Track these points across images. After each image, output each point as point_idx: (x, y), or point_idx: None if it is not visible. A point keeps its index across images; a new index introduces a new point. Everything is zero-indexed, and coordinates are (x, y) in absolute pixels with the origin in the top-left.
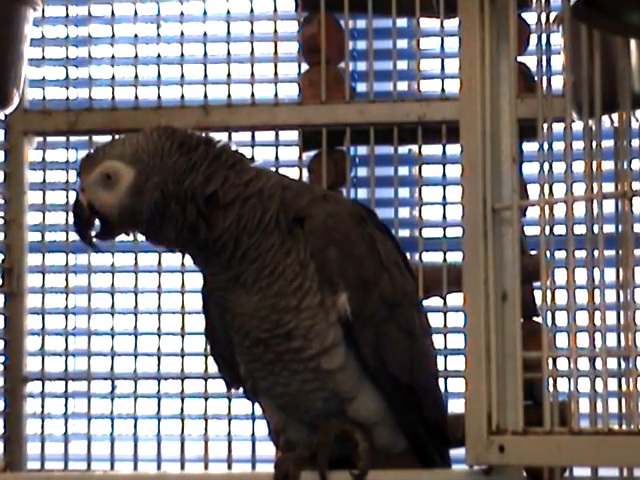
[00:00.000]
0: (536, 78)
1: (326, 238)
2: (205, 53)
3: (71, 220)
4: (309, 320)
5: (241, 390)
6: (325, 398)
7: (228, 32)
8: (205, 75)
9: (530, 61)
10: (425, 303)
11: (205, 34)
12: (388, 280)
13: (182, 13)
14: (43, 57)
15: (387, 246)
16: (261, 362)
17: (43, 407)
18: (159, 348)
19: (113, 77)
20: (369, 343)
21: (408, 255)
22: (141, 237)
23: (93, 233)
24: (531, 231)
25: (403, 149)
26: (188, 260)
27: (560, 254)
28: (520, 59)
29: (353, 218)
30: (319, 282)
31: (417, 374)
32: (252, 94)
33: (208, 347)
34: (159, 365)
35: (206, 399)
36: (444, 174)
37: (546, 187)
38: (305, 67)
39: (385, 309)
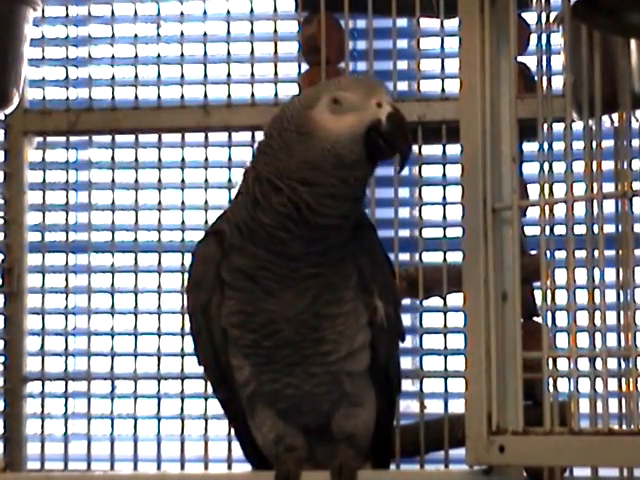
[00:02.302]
0: (536, 78)
1: (360, 247)
2: (205, 53)
3: (71, 220)
4: (342, 325)
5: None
6: (334, 400)
7: (228, 32)
8: (205, 75)
9: (530, 61)
10: (425, 303)
11: (205, 34)
12: (396, 286)
13: (182, 13)
14: (43, 57)
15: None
16: (281, 364)
17: (43, 407)
18: (159, 348)
19: (113, 77)
20: (384, 347)
21: (408, 255)
22: None
23: None
24: (531, 231)
25: None
26: (188, 260)
27: (560, 254)
28: (520, 59)
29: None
30: (356, 290)
31: (399, 378)
32: (252, 94)
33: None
34: (159, 365)
35: (206, 399)
36: (444, 174)
37: (546, 187)
38: (305, 67)
39: (396, 314)
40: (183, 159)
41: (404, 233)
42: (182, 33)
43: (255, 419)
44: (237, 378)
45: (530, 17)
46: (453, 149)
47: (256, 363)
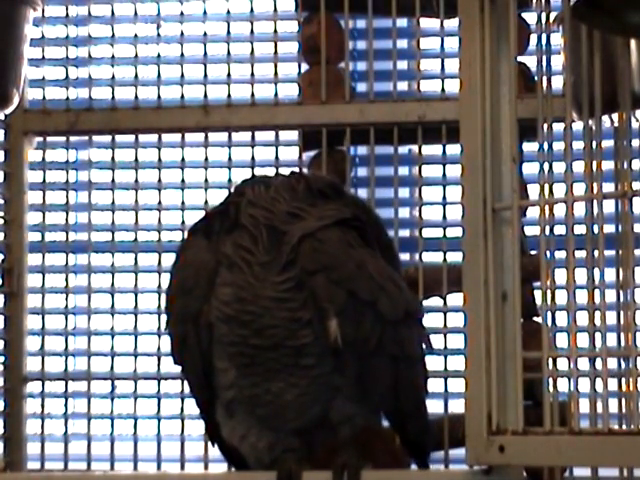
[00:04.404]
0: (536, 78)
1: (313, 264)
2: (205, 53)
3: (71, 220)
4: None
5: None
6: (323, 401)
7: (228, 32)
8: (205, 75)
9: (530, 61)
10: (425, 303)
11: (205, 34)
12: (386, 299)
13: (182, 13)
14: (43, 57)
15: (379, 263)
16: (263, 367)
17: (43, 407)
18: (159, 348)
19: (113, 77)
20: (353, 369)
21: (408, 255)
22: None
23: None
24: (531, 231)
25: (403, 149)
26: None
27: (560, 254)
28: (520, 59)
29: (342, 242)
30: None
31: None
32: (252, 94)
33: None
34: (159, 365)
35: None
36: (444, 174)
37: (546, 187)
38: (305, 67)
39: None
40: (183, 159)
41: (404, 233)
42: (182, 33)
43: (236, 427)
44: (220, 381)
45: (530, 17)
46: (453, 149)
47: (239, 364)
